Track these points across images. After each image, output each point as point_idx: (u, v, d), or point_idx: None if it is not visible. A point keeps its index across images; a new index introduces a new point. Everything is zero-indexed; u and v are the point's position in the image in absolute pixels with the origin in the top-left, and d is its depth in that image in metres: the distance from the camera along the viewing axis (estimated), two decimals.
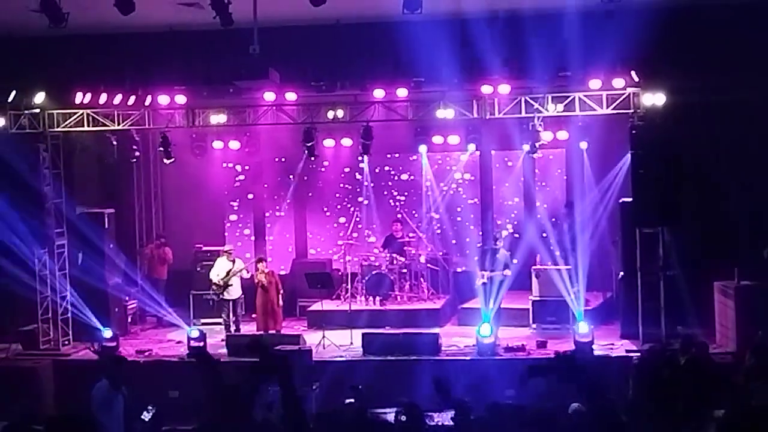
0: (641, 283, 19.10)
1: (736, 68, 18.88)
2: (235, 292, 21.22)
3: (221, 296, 21.10)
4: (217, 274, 21.11)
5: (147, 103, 20.36)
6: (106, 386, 13.57)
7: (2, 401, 15.99)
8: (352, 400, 14.05)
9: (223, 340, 20.30)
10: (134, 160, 22.65)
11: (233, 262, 21.27)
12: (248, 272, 21.45)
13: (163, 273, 23.12)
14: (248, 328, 21.50)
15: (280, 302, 20.97)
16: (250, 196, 24.62)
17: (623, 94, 19.07)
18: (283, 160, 24.10)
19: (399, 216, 23.62)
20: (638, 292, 19.10)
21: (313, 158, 21.58)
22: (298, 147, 21.34)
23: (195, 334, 19.72)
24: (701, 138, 19.94)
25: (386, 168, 24.28)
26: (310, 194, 24.58)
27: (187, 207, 24.23)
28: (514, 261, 20.77)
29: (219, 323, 21.33)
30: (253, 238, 24.77)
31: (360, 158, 23.09)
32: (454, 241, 23.91)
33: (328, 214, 24.62)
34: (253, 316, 21.83)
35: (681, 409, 11.62)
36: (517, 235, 22.75)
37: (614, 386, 15.60)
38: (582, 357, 10.91)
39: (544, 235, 22.76)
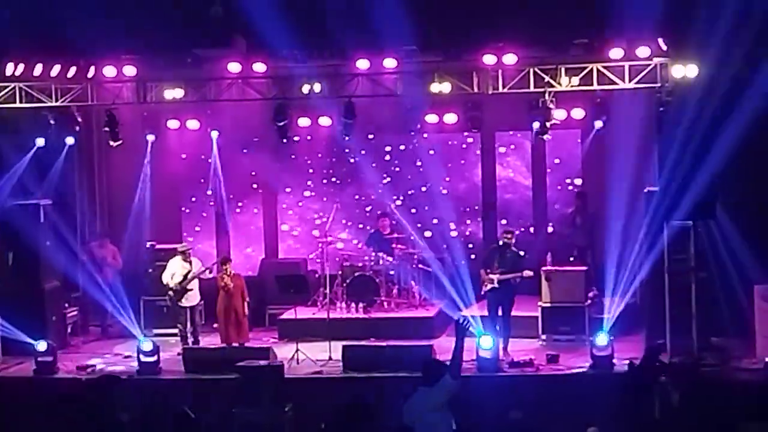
0: (669, 287, 19.04)
1: None
2: (194, 297, 21.09)
3: (178, 303, 20.97)
4: (171, 276, 20.97)
5: (90, 75, 20.24)
6: None
7: None
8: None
9: (179, 354, 20.19)
10: (75, 142, 22.49)
11: (190, 263, 21.14)
12: (210, 273, 21.33)
13: (107, 275, 22.95)
14: (208, 340, 21.40)
15: (246, 311, 20.87)
16: (209, 191, 24.49)
17: (649, 65, 19.04)
18: (255, 140, 23.94)
19: (387, 209, 23.54)
20: (666, 298, 19.05)
21: (285, 140, 21.45)
22: (268, 127, 21.22)
23: (147, 346, 19.58)
24: (739, 115, 19.84)
25: (371, 151, 24.18)
26: (281, 184, 24.47)
27: (138, 198, 24.08)
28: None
29: (174, 334, 21.21)
30: (213, 235, 24.66)
31: (342, 139, 22.97)
32: (453, 235, 23.85)
33: (301, 205, 24.53)
34: (214, 325, 21.71)
35: None
36: (523, 230, 22.75)
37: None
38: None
39: (550, 229, 22.77)
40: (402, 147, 24.01)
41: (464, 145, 24.01)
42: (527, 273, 19.74)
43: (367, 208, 24.20)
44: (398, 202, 23.83)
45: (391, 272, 22.42)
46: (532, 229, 23.73)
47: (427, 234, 23.74)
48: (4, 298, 20.62)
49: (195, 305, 21.15)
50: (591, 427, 11.31)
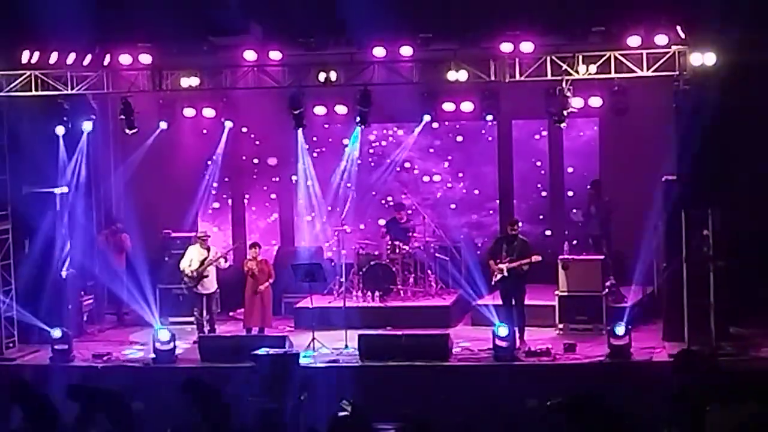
0: (687, 276, 19.01)
1: None
2: (210, 285, 21.12)
3: (194, 290, 21.00)
4: (189, 263, 21.00)
5: (105, 63, 20.24)
6: None
7: None
8: (347, 413, 13.97)
9: (195, 342, 20.25)
10: (91, 130, 22.51)
11: (208, 249, 21.17)
12: (226, 261, 21.36)
13: (121, 263, 23.01)
14: (225, 328, 21.45)
15: (264, 287, 20.94)
16: (225, 180, 24.49)
17: (667, 53, 18.96)
18: (270, 127, 23.94)
19: (403, 197, 23.52)
20: (684, 287, 19.02)
21: (300, 128, 21.44)
22: (283, 115, 21.21)
23: (163, 335, 19.65)
24: (758, 104, 19.79)
25: (389, 140, 24.17)
26: (295, 173, 24.46)
27: (154, 186, 24.11)
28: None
29: (191, 322, 21.24)
30: (229, 223, 24.67)
31: (357, 128, 22.95)
32: (472, 224, 23.83)
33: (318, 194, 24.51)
34: (230, 314, 21.77)
35: None
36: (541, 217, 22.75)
37: (657, 396, 15.56)
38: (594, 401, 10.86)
39: (568, 223, 22.73)
40: (418, 135, 23.95)
41: (482, 133, 23.95)
42: (536, 258, 19.76)
43: (388, 198, 24.16)
44: (413, 190, 23.80)
45: (407, 260, 22.42)
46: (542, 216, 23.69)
47: (444, 222, 23.70)
48: (21, 286, 20.68)
49: (211, 293, 21.15)
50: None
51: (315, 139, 24.09)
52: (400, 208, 23.05)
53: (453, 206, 24.00)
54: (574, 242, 21.68)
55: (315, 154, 24.19)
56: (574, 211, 22.97)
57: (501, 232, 21.59)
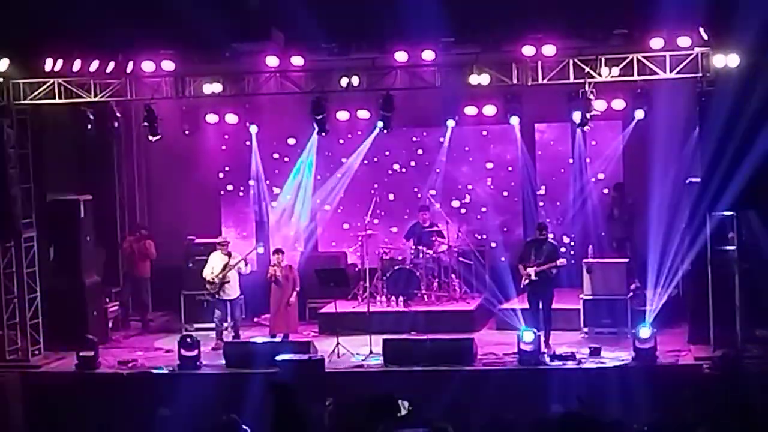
0: (712, 278, 18.96)
1: None
2: (232, 291, 21.17)
3: (217, 296, 21.06)
4: (211, 270, 21.06)
5: (129, 70, 20.29)
6: None
7: None
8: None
9: (213, 349, 20.37)
10: (114, 137, 22.58)
11: (229, 255, 21.22)
12: (247, 265, 21.38)
13: (146, 270, 23.08)
14: (250, 334, 21.48)
15: (293, 299, 20.96)
16: (252, 182, 24.48)
17: (690, 54, 18.90)
18: (291, 137, 24.01)
19: (427, 202, 23.52)
20: (709, 289, 18.95)
21: (323, 134, 21.46)
22: (306, 120, 21.24)
23: (188, 341, 19.69)
24: None
25: (411, 144, 24.17)
26: (319, 177, 24.47)
27: (177, 193, 24.18)
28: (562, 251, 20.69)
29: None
30: (253, 229, 24.68)
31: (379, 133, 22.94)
32: (496, 228, 23.80)
33: (341, 197, 24.50)
34: (255, 319, 21.79)
35: None
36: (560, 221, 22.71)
37: (683, 400, 15.52)
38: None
39: (593, 226, 22.69)
40: (441, 139, 23.94)
41: (504, 137, 23.92)
42: (561, 261, 19.75)
43: (406, 201, 24.16)
44: (434, 193, 23.79)
45: (431, 265, 22.41)
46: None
47: (467, 226, 23.69)
48: (46, 293, 20.75)
49: (234, 299, 21.21)
50: None
51: (341, 142, 24.09)
52: (423, 212, 23.02)
53: (483, 209, 23.97)
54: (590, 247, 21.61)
55: (344, 161, 24.20)
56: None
57: (530, 236, 21.56)
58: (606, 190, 23.03)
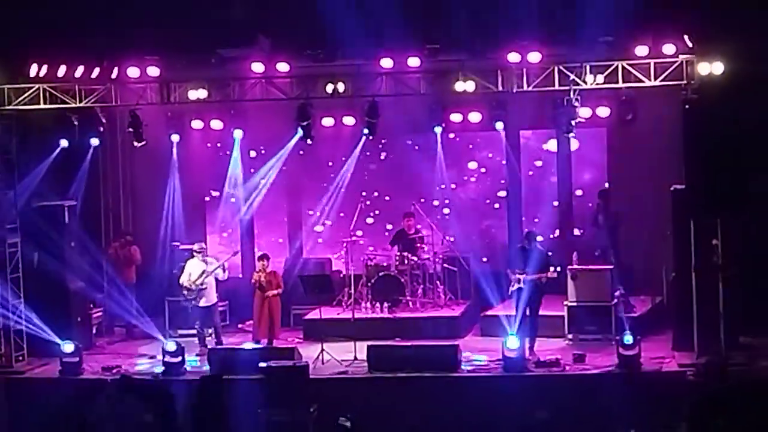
0: (696, 285, 18.98)
1: None
2: (210, 297, 21.12)
3: (194, 303, 21.02)
4: (188, 277, 21.03)
5: (114, 75, 20.28)
6: None
7: None
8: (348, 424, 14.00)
9: (197, 355, 20.34)
10: (99, 143, 22.54)
11: (206, 263, 21.19)
12: (225, 271, 21.32)
13: (131, 276, 23.03)
14: (234, 340, 21.45)
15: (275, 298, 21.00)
16: (228, 189, 24.44)
17: (675, 62, 18.96)
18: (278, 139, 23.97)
19: (411, 208, 23.51)
20: (693, 296, 18.98)
21: (309, 140, 21.45)
22: (291, 127, 21.22)
23: (172, 347, 19.66)
24: (766, 112, 19.78)
25: (395, 151, 24.16)
26: (305, 183, 24.44)
27: (162, 198, 24.13)
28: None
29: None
30: (238, 235, 24.65)
31: (364, 139, 22.95)
32: (478, 234, 23.83)
33: (326, 205, 24.48)
34: (239, 326, 21.76)
35: None
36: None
37: (666, 408, 15.55)
38: None
39: (578, 233, 22.73)
40: (425, 145, 23.93)
41: (489, 144, 23.94)
42: (552, 273, 19.73)
43: (391, 208, 24.16)
44: (422, 201, 23.78)
45: (416, 271, 22.40)
46: (557, 232, 23.61)
47: (452, 233, 23.69)
48: (30, 299, 20.69)
49: (212, 305, 21.17)
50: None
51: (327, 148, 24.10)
52: (408, 218, 22.99)
53: (467, 215, 23.95)
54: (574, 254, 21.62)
55: (330, 164, 24.17)
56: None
57: (516, 242, 21.56)
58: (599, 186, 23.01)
